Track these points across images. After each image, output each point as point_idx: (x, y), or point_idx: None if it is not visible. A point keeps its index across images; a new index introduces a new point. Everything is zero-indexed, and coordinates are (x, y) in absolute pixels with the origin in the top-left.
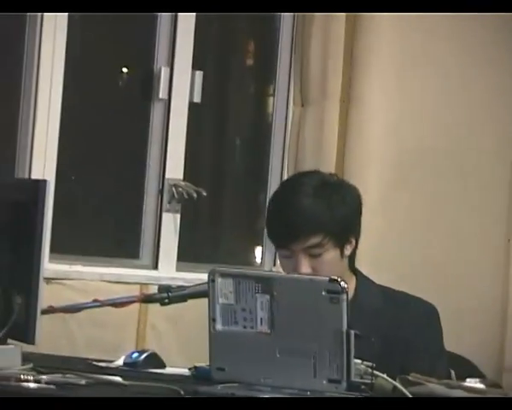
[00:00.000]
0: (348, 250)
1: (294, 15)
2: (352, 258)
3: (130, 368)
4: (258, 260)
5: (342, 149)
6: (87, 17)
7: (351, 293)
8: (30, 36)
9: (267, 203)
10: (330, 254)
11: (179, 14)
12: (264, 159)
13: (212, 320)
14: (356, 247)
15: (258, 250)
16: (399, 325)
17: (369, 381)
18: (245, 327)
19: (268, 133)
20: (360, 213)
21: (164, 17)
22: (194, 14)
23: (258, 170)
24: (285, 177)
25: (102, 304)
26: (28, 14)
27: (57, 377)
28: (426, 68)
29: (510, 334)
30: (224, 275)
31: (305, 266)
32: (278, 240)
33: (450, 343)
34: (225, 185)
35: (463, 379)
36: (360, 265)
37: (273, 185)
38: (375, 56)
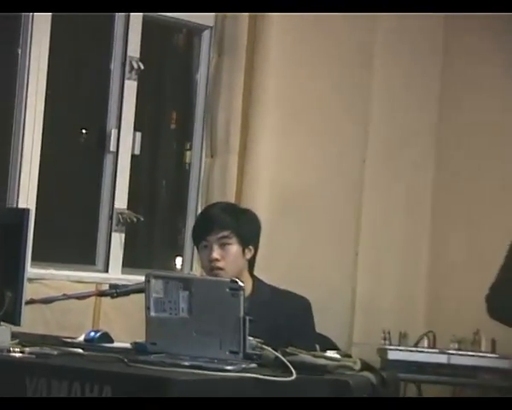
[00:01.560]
0: (248, 255)
1: (206, 91)
2: (251, 265)
3: (89, 343)
4: (179, 266)
5: (240, 189)
6: (59, 92)
7: (249, 291)
8: (18, 99)
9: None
10: (234, 248)
11: (125, 92)
12: (183, 196)
13: (148, 309)
14: (254, 256)
15: (179, 259)
16: (284, 313)
17: (259, 352)
18: (171, 314)
19: (187, 177)
20: (259, 231)
21: (113, 95)
22: (135, 93)
23: (180, 203)
24: (199, 209)
25: (69, 297)
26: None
27: (36, 349)
28: (302, 126)
29: (357, 318)
30: (156, 277)
31: (216, 253)
32: (199, 234)
33: (315, 325)
34: (156, 213)
35: (325, 351)
36: (255, 270)
37: (190, 214)
38: (265, 121)
